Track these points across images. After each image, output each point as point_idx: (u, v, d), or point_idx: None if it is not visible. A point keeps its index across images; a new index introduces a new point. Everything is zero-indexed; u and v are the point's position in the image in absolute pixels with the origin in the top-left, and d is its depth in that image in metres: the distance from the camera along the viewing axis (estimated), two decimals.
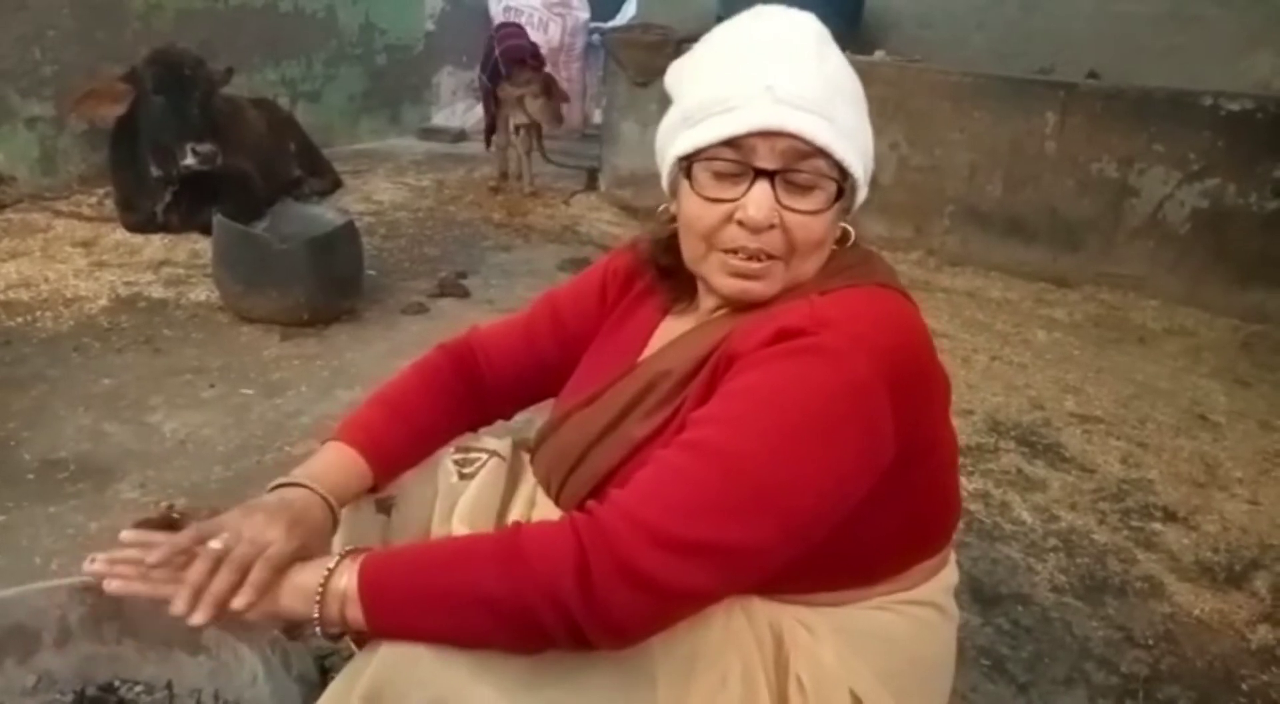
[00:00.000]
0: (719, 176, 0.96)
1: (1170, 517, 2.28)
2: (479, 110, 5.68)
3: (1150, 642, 1.82)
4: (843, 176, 0.96)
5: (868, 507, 0.91)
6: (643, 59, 4.81)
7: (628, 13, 6.90)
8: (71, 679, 1.27)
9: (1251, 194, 3.74)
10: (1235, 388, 3.11)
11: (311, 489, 1.02)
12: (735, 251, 0.97)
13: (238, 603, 0.87)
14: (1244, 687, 1.72)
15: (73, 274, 3.32)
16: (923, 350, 0.97)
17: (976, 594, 1.90)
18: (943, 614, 1.09)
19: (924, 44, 4.90)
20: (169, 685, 1.28)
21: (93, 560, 0.90)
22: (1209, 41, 4.34)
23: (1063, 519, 2.23)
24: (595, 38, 6.85)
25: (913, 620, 1.04)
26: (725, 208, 0.96)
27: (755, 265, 0.97)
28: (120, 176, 3.90)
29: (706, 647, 0.92)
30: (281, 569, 0.91)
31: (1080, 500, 2.33)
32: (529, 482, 1.18)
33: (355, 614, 0.87)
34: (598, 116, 6.31)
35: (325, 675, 1.30)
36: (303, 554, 0.93)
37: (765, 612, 0.97)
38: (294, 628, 1.21)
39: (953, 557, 1.13)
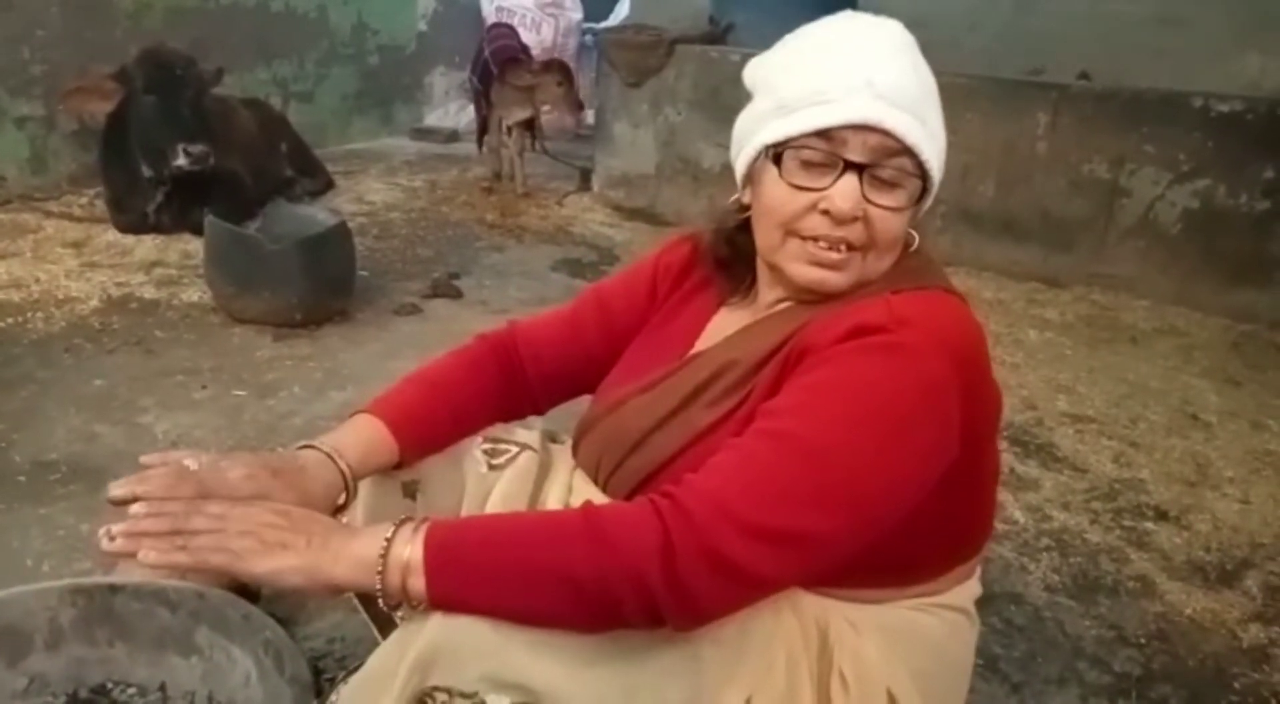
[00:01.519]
0: (807, 166, 0.98)
1: (1162, 516, 2.29)
2: (471, 111, 5.68)
3: (1142, 641, 1.83)
4: (924, 177, 0.98)
5: (921, 505, 0.92)
6: (635, 60, 4.82)
7: (620, 13, 6.91)
8: (63, 681, 1.26)
9: (1242, 195, 3.76)
10: (1226, 387, 3.12)
11: (329, 455, 1.04)
12: (816, 239, 0.98)
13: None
14: (1236, 685, 1.73)
15: (64, 275, 3.30)
16: (985, 358, 0.99)
17: None
18: (970, 620, 1.11)
19: None
20: (162, 687, 1.28)
21: (111, 538, 0.88)
22: (1198, 43, 4.36)
23: (1055, 519, 2.24)
24: (588, 38, 6.85)
25: (946, 623, 1.06)
26: (810, 197, 0.97)
27: (835, 256, 0.98)
28: (111, 177, 3.88)
29: (755, 636, 0.93)
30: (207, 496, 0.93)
31: (1073, 500, 2.34)
32: (561, 473, 1.19)
33: (417, 584, 0.86)
34: (591, 117, 6.31)
35: (318, 677, 1.30)
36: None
37: (812, 606, 0.98)
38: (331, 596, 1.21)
39: (979, 567, 1.14)
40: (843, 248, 0.98)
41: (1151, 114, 3.87)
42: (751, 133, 1.03)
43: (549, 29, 6.75)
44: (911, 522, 0.92)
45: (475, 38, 5.62)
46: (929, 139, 0.97)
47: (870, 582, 1.01)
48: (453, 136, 6.56)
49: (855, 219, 0.96)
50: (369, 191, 4.96)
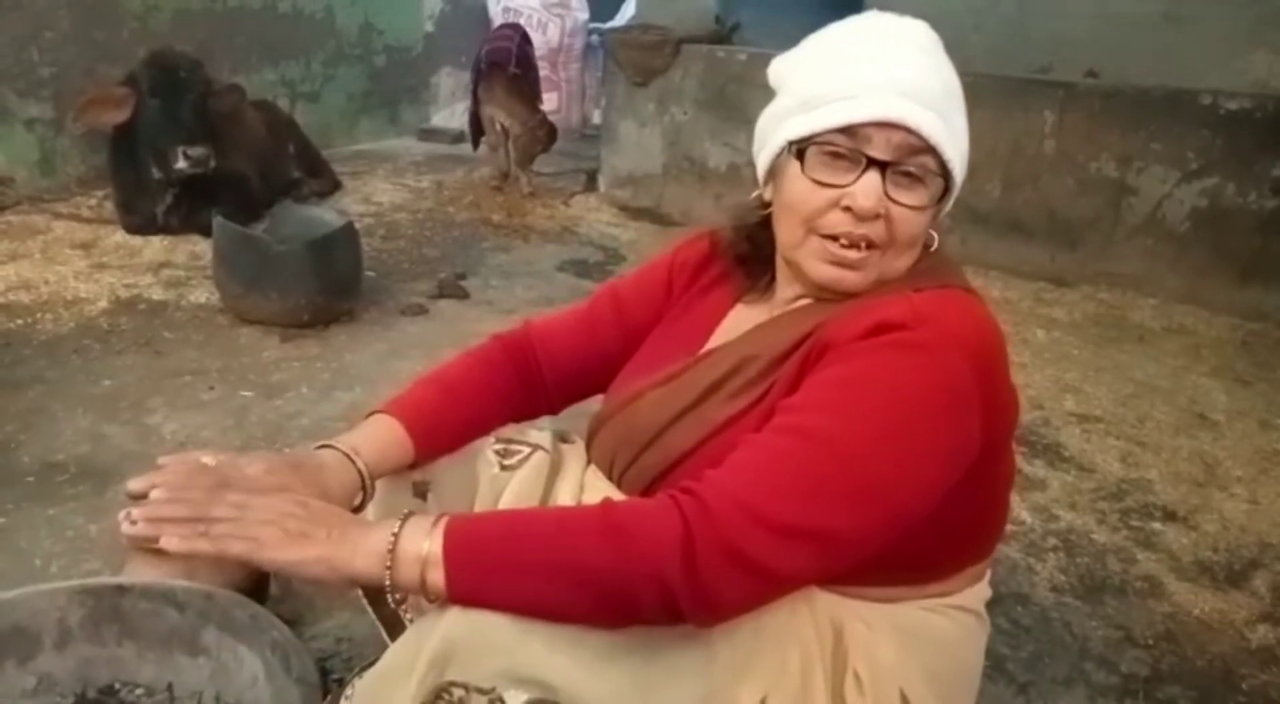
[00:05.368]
0: (831, 162, 0.98)
1: (1170, 516, 2.28)
2: None
3: (1150, 641, 1.82)
4: (946, 177, 0.99)
5: (938, 506, 0.92)
6: (641, 59, 4.82)
7: (627, 13, 6.90)
8: (71, 681, 1.27)
9: (1250, 192, 3.74)
10: (1234, 386, 3.11)
11: (346, 455, 1.05)
12: (836, 238, 0.99)
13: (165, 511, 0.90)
14: (1244, 686, 1.72)
15: (72, 276, 3.32)
16: (1004, 361, 0.99)
17: None
18: (981, 622, 1.11)
19: None
20: (169, 687, 1.28)
21: (133, 522, 0.89)
22: (1206, 41, 4.34)
23: (1062, 519, 2.23)
24: (594, 38, 6.85)
25: (959, 625, 1.06)
26: (832, 193, 0.98)
27: (854, 255, 0.99)
28: (120, 178, 3.90)
29: (769, 634, 0.93)
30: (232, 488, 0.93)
31: (1080, 500, 2.33)
32: (572, 472, 1.19)
33: (436, 578, 0.86)
34: (597, 117, 6.31)
35: (325, 677, 1.30)
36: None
37: (827, 605, 0.98)
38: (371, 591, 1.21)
39: (989, 570, 1.14)
40: (862, 246, 0.98)
41: (1159, 112, 3.85)
42: (774, 129, 1.04)
43: (555, 29, 6.74)
44: (928, 522, 0.92)
45: (481, 38, 5.63)
46: (952, 138, 0.98)
47: (885, 580, 1.01)
48: (459, 137, 6.55)
49: (877, 216, 0.97)
50: (376, 192, 4.97)
